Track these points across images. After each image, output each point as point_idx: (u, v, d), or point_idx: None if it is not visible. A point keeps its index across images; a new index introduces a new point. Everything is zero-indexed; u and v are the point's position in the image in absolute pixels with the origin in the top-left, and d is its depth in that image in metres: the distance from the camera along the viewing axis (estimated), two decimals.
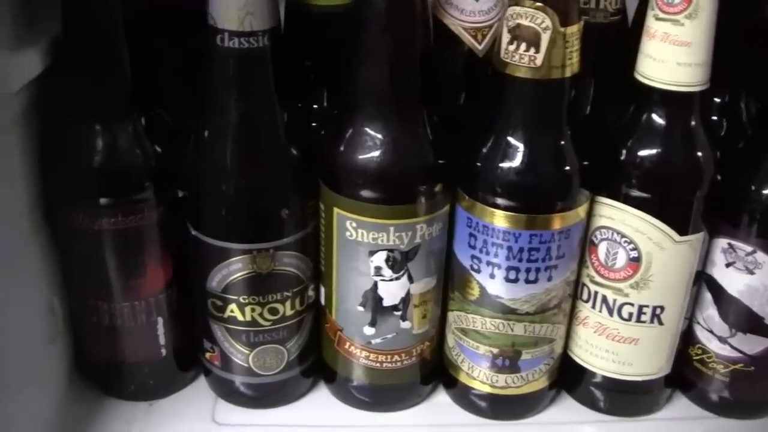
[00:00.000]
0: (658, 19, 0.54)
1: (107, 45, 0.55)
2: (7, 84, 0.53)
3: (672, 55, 0.54)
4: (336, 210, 0.57)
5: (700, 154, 0.57)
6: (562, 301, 0.61)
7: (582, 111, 0.63)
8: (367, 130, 0.55)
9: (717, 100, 0.64)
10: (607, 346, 0.63)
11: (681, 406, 0.68)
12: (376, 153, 0.55)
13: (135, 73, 0.56)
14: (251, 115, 0.55)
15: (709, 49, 0.54)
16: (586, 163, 0.57)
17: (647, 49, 0.55)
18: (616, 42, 0.63)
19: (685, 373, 0.67)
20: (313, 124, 0.62)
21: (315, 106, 0.63)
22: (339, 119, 0.57)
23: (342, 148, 0.56)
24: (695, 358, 0.66)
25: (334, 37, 0.59)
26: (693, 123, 0.57)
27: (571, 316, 0.64)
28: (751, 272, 0.61)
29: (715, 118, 0.64)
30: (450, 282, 0.62)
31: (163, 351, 0.63)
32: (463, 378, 0.64)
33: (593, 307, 0.62)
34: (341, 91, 0.57)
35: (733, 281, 0.62)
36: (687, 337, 0.66)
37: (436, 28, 0.58)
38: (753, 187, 0.59)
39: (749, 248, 0.60)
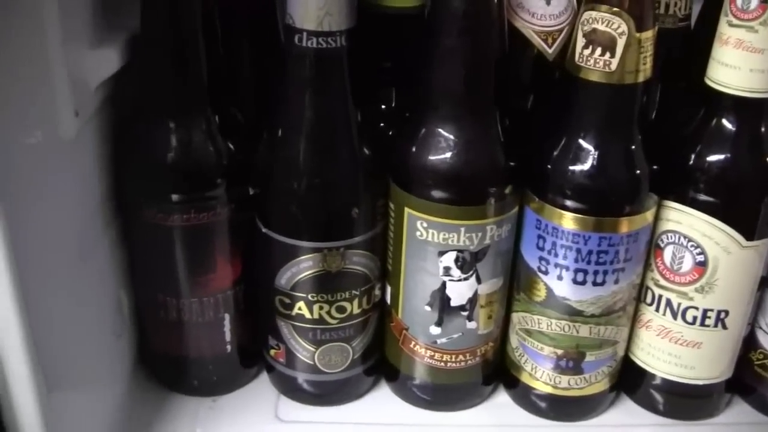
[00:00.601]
0: (731, 25, 0.56)
1: (184, 43, 0.56)
2: (86, 81, 0.55)
3: (745, 62, 0.56)
4: (407, 210, 0.59)
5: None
6: (627, 304, 0.63)
7: (649, 115, 0.65)
8: (441, 131, 0.57)
9: None
10: (670, 349, 0.65)
11: (740, 411, 0.70)
12: (450, 154, 0.57)
13: (210, 71, 0.58)
14: (326, 115, 0.57)
15: None
16: (654, 167, 0.59)
17: (719, 55, 0.57)
18: (683, 47, 0.64)
19: (745, 378, 0.68)
20: (382, 125, 0.64)
21: (383, 106, 0.65)
22: (412, 120, 0.59)
23: (415, 149, 0.58)
24: (756, 362, 0.68)
25: (405, 39, 0.61)
26: (763, 129, 0.58)
27: (634, 318, 0.66)
28: None
29: None
30: (516, 283, 0.64)
31: (229, 347, 0.65)
32: (525, 378, 0.66)
33: (657, 310, 0.64)
34: (415, 91, 0.59)
35: None
36: (749, 342, 0.67)
37: (509, 31, 0.59)
38: None
39: None
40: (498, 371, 0.68)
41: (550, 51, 0.62)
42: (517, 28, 0.61)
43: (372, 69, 0.63)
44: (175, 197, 0.58)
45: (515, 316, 0.65)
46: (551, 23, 0.62)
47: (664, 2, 0.63)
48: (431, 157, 0.57)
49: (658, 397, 0.68)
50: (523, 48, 0.62)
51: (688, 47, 0.65)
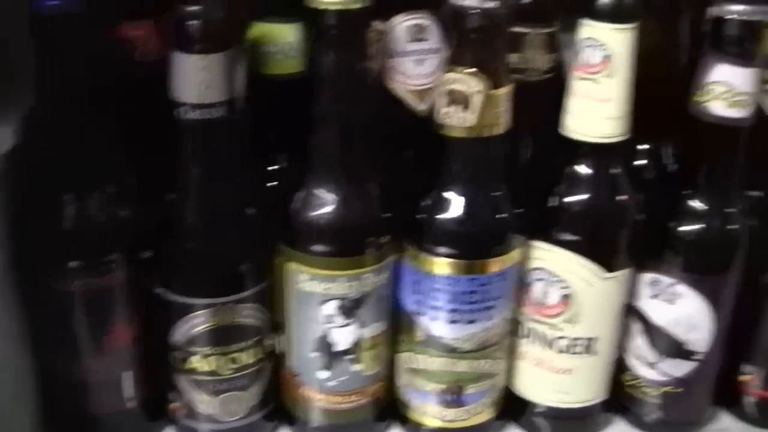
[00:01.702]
0: (578, 79, 0.63)
1: (78, 119, 0.61)
2: None
3: (593, 111, 0.63)
4: (291, 264, 0.65)
5: (622, 198, 0.66)
6: (501, 338, 0.69)
7: (521, 161, 0.72)
8: (319, 189, 0.63)
9: (647, 146, 0.73)
10: (546, 377, 0.71)
11: (620, 428, 0.77)
12: (327, 211, 0.63)
13: (105, 141, 0.62)
14: (213, 179, 0.62)
15: (628, 103, 0.63)
16: (521, 210, 0.66)
17: (571, 106, 0.64)
18: (551, 96, 0.71)
19: (620, 398, 0.76)
20: (272, 184, 0.69)
21: (274, 167, 0.71)
22: (293, 179, 0.65)
23: (296, 207, 0.64)
24: (628, 383, 0.75)
25: (290, 103, 0.66)
26: (616, 170, 0.66)
27: (512, 351, 0.72)
28: (673, 302, 0.70)
29: (645, 162, 0.74)
30: (398, 325, 0.70)
31: (129, 404, 0.69)
32: (414, 415, 0.72)
33: (531, 341, 0.71)
34: (297, 152, 0.65)
35: (658, 311, 0.71)
36: (620, 365, 0.74)
37: (383, 90, 0.67)
38: (673, 225, 0.68)
39: (671, 281, 0.69)
40: (391, 408, 0.74)
41: (422, 108, 0.68)
42: (392, 88, 0.68)
43: (263, 132, 0.69)
44: (73, 264, 0.63)
45: (400, 356, 0.71)
46: (422, 82, 0.68)
47: (524, 58, 0.70)
48: (309, 214, 0.63)
49: (540, 422, 0.74)
50: (399, 105, 0.68)
51: (556, 96, 0.72)
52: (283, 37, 0.68)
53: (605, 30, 0.62)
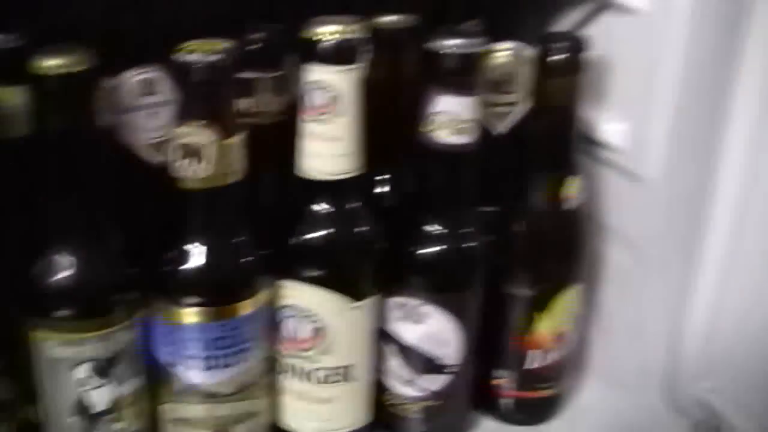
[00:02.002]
0: (305, 120, 0.66)
1: None
2: None
3: (325, 150, 0.67)
4: (36, 331, 0.64)
5: (360, 230, 0.70)
6: (260, 377, 0.71)
7: (263, 203, 0.73)
8: (58, 253, 0.63)
9: (387, 175, 0.78)
10: (309, 408, 0.74)
11: None
12: (66, 274, 0.62)
13: None
14: None
15: (359, 139, 0.67)
16: (266, 251, 0.68)
17: (303, 147, 0.67)
18: (287, 137, 0.71)
19: (385, 418, 0.80)
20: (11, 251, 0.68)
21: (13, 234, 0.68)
22: (30, 246, 0.64)
23: (35, 273, 0.63)
24: (389, 403, 0.79)
25: (23, 166, 0.65)
26: (353, 204, 0.69)
27: (273, 387, 0.74)
28: (421, 322, 0.74)
29: (385, 190, 0.78)
30: (156, 378, 0.70)
31: None
32: None
33: (290, 376, 0.73)
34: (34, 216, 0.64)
35: (408, 332, 0.75)
36: (380, 386, 0.78)
37: (119, 145, 0.68)
38: (413, 250, 0.73)
39: (417, 302, 0.74)
40: None
41: (159, 160, 0.69)
42: (128, 143, 0.69)
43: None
44: None
45: (163, 408, 0.71)
46: (157, 134, 0.69)
47: (256, 102, 0.72)
48: (48, 280, 0.62)
49: None
50: (139, 159, 0.69)
51: (290, 137, 0.74)
52: (10, 100, 0.67)
53: (329, 72, 0.65)
